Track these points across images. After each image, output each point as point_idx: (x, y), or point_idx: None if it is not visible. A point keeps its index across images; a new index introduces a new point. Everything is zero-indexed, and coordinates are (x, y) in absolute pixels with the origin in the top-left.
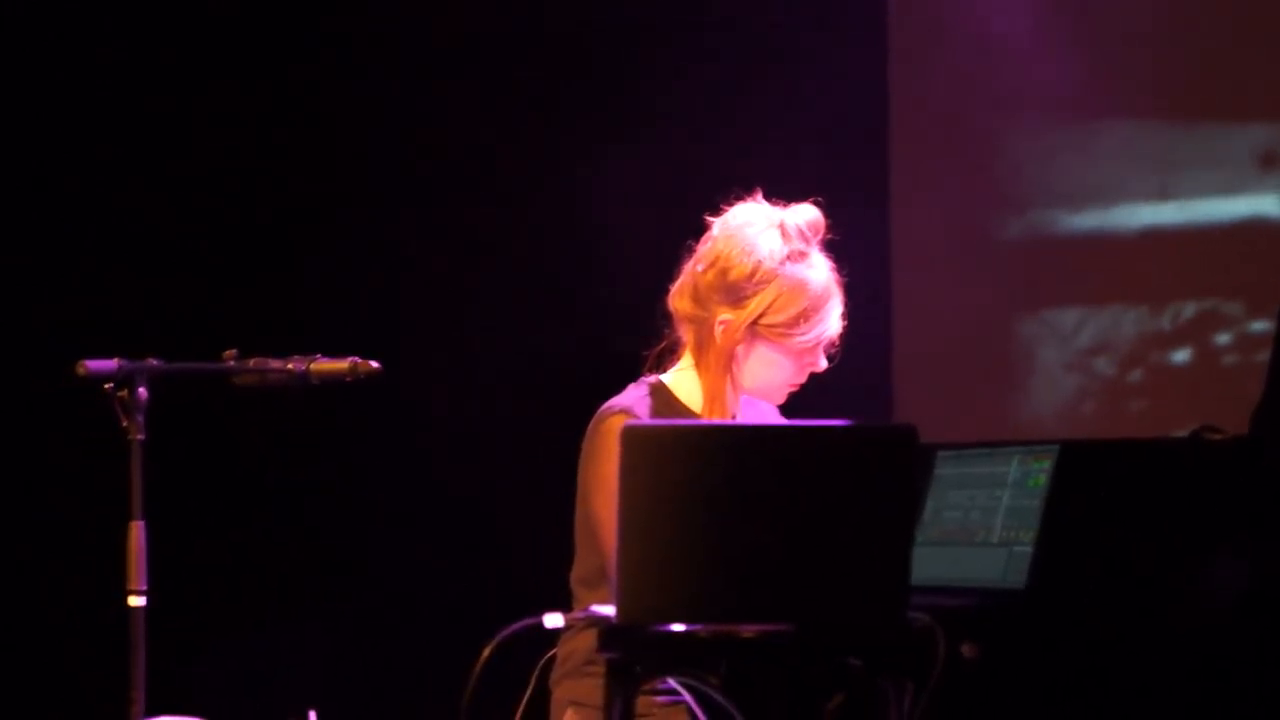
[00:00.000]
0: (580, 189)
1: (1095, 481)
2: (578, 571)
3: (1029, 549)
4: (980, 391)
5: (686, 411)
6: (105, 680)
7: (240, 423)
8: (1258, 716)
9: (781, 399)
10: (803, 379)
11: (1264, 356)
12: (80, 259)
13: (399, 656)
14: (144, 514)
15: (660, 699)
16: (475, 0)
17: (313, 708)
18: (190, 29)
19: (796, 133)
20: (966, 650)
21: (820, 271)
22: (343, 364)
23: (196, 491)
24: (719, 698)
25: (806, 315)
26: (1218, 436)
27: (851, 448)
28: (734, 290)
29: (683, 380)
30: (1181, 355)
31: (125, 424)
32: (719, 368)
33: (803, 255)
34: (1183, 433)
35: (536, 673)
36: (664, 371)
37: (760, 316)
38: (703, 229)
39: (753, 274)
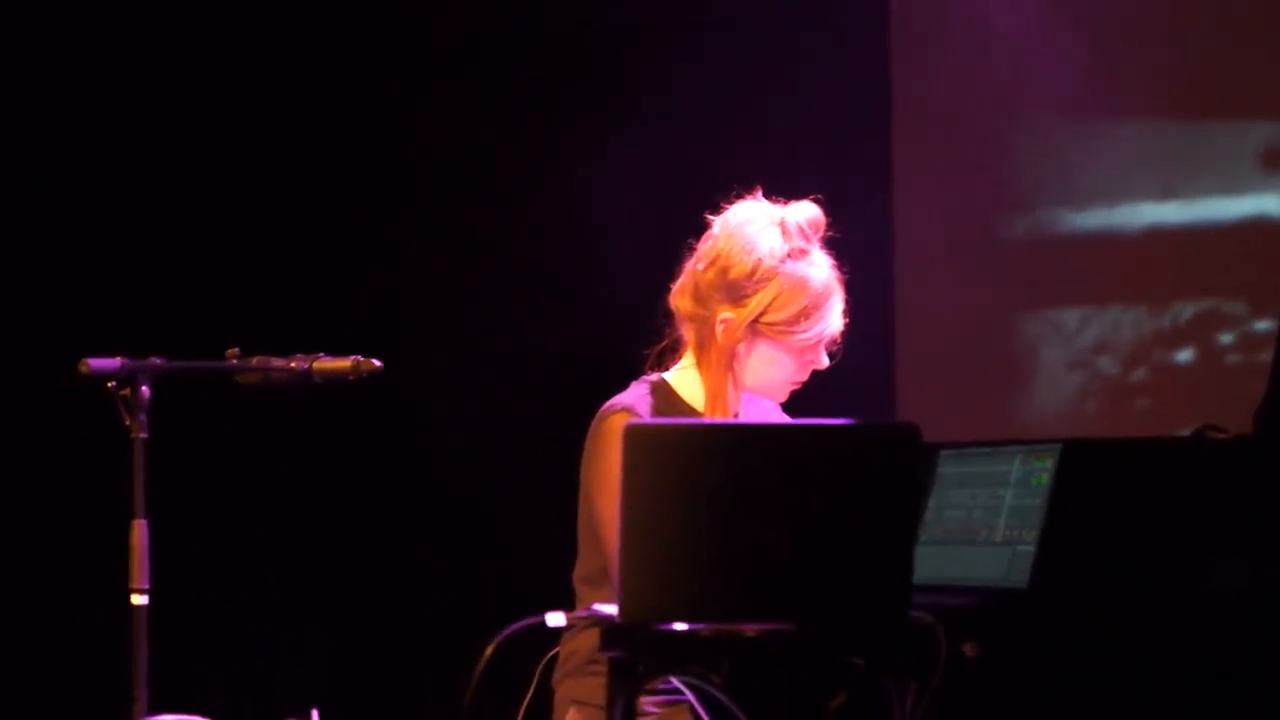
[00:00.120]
0: (580, 189)
1: (1098, 481)
2: (580, 570)
3: (1031, 548)
4: (983, 390)
5: (688, 410)
6: (107, 679)
7: (241, 422)
8: (1259, 717)
9: (784, 397)
10: (805, 377)
11: (1267, 355)
12: (81, 259)
13: (401, 656)
14: (146, 513)
15: (661, 698)
16: (475, 0)
17: (315, 706)
18: (190, 29)
19: (798, 132)
20: (969, 649)
21: (821, 269)
22: (345, 363)
23: (198, 490)
24: (721, 697)
25: (807, 313)
26: (1220, 436)
27: (854, 446)
28: (735, 289)
29: (685, 379)
30: (1184, 354)
31: (128, 422)
32: (720, 366)
33: (803, 253)
34: (1185, 432)
35: (539, 672)
36: (666, 370)
37: (761, 315)
38: (703, 228)
39: (753, 272)
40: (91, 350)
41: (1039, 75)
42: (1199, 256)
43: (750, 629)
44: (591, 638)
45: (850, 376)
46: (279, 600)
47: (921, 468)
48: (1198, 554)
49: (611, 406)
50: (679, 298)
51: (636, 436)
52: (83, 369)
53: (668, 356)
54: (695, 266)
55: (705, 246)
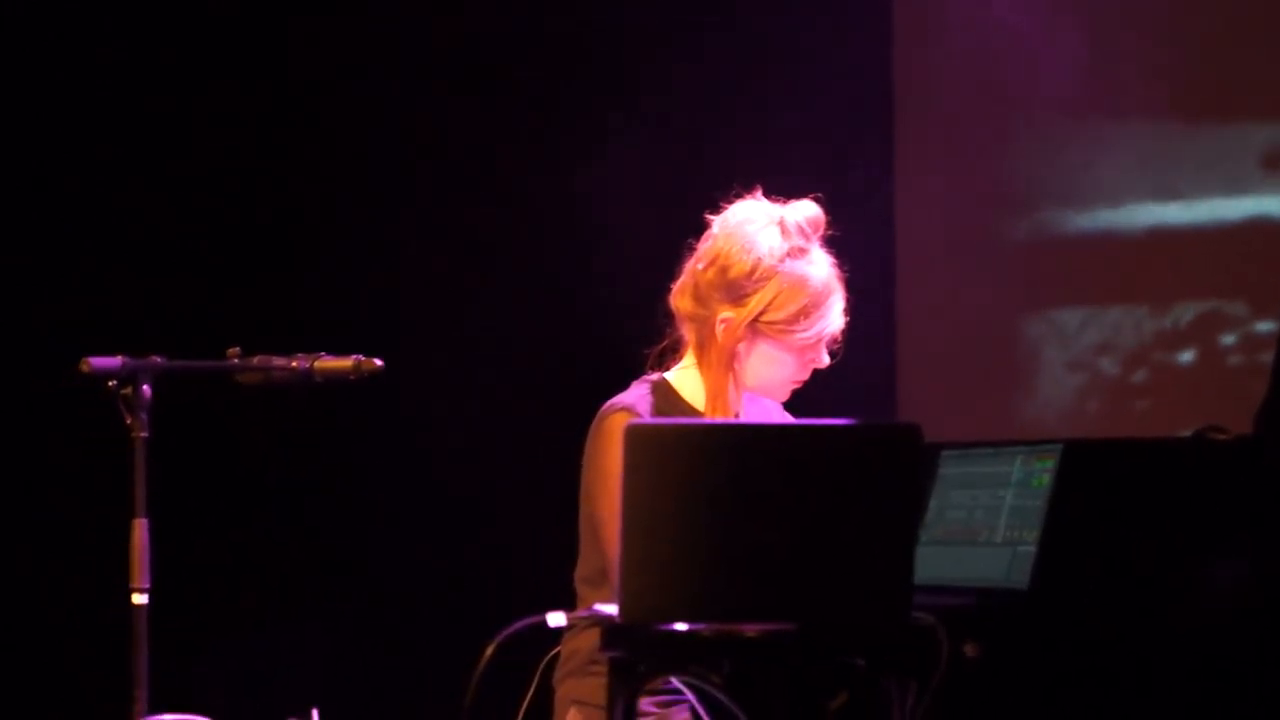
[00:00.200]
0: (580, 189)
1: (1099, 481)
2: (581, 570)
3: (1032, 549)
4: (984, 391)
5: (689, 409)
6: (107, 678)
7: (242, 422)
8: (1259, 717)
9: (785, 396)
10: (806, 376)
11: (1268, 356)
12: (81, 259)
13: (401, 655)
14: (147, 512)
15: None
16: (475, 0)
17: (315, 706)
18: (190, 29)
19: (798, 132)
20: (969, 650)
21: (821, 268)
22: (346, 362)
23: (199, 490)
24: (722, 697)
25: (807, 311)
26: (1221, 437)
27: (855, 447)
28: (734, 288)
29: (686, 378)
30: (1185, 355)
31: (129, 422)
32: (721, 366)
33: (803, 252)
34: (1186, 433)
35: (539, 671)
36: (667, 370)
37: (761, 314)
38: (703, 228)
39: (753, 271)
40: (92, 349)
41: (1041, 76)
42: (1200, 257)
43: (751, 629)
44: (592, 638)
45: (851, 377)
46: (279, 600)
47: (922, 468)
48: (1198, 555)
49: (612, 406)
50: (679, 298)
51: (637, 436)
52: (84, 368)
53: (668, 356)
54: (695, 266)
55: (705, 246)
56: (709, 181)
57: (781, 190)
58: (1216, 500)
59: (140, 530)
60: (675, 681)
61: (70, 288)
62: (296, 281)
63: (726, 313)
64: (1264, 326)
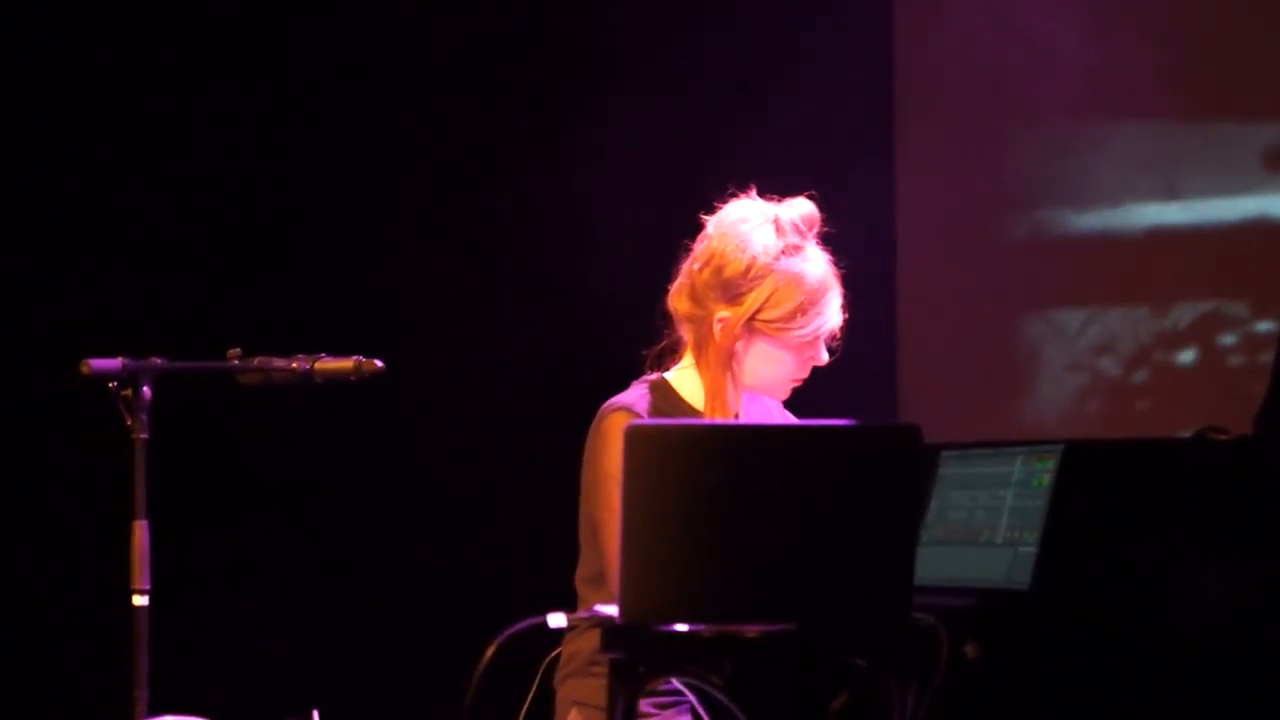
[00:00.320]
0: (580, 189)
1: (1099, 482)
2: (582, 571)
3: (1033, 549)
4: (984, 391)
5: (689, 409)
6: (108, 679)
7: (242, 422)
8: (1259, 717)
9: (785, 395)
10: (805, 374)
11: (1268, 357)
12: (81, 259)
13: (401, 656)
14: (147, 513)
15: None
16: (475, 0)
17: (315, 707)
18: (190, 29)
19: (799, 132)
20: (970, 650)
21: (816, 265)
22: (347, 363)
23: (199, 491)
24: (722, 698)
25: (804, 309)
26: (1222, 437)
27: (856, 447)
28: (730, 287)
29: (685, 379)
30: (1186, 356)
31: (129, 423)
32: (719, 365)
33: (798, 249)
34: (1187, 433)
35: (540, 673)
36: (666, 371)
37: (757, 312)
38: (701, 229)
39: (748, 270)
40: (93, 350)
41: (1042, 76)
42: (1201, 257)
43: (751, 630)
44: (593, 639)
45: (851, 377)
46: (280, 600)
47: (923, 469)
48: (1198, 555)
49: (611, 405)
50: (676, 299)
51: (638, 437)
52: (84, 369)
53: (667, 357)
54: (691, 267)
55: (700, 247)
56: (709, 181)
57: (782, 190)
58: (1217, 501)
59: (140, 531)
60: (676, 682)
61: (70, 288)
62: (296, 282)
63: (723, 312)
64: (1264, 327)
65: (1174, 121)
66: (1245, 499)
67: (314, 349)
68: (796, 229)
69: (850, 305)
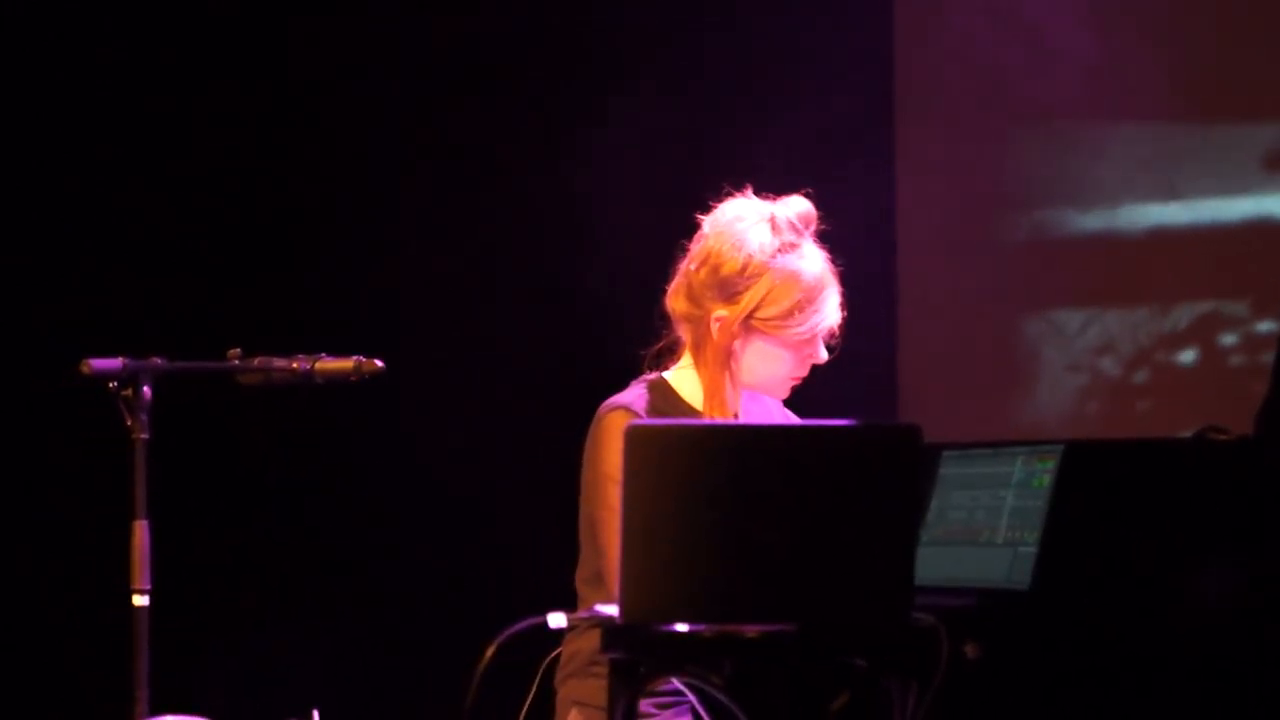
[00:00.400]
0: (580, 188)
1: (1099, 482)
2: (582, 571)
3: (1033, 549)
4: (985, 391)
5: (688, 408)
6: (108, 679)
7: (242, 422)
8: (1259, 717)
9: (785, 393)
10: (804, 372)
11: (1269, 357)
12: (81, 259)
13: (401, 656)
14: (147, 513)
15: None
16: (475, 0)
17: (316, 707)
18: (190, 29)
19: (799, 132)
20: (970, 650)
21: (813, 262)
22: (347, 363)
23: (200, 491)
24: (723, 698)
25: (801, 306)
26: (1222, 437)
27: (856, 447)
28: (727, 286)
29: (684, 378)
30: (1186, 356)
31: (129, 423)
32: (717, 364)
33: (794, 247)
34: (1187, 433)
35: (540, 673)
36: (665, 370)
37: (754, 310)
38: (700, 229)
39: (744, 268)
40: (93, 350)
41: (1042, 76)
42: (1201, 257)
43: (752, 630)
44: (593, 639)
45: (852, 377)
46: (280, 600)
47: (923, 469)
48: (1199, 555)
49: (609, 405)
50: (674, 299)
51: (638, 437)
52: (84, 369)
53: (666, 357)
54: (688, 266)
55: (697, 246)
56: (709, 181)
57: (783, 191)
58: (1217, 501)
59: (141, 531)
60: (676, 682)
61: (70, 288)
62: (296, 282)
63: (720, 311)
64: (1265, 327)
65: (1174, 121)
66: (1245, 499)
67: (314, 349)
68: (793, 227)
69: (850, 305)
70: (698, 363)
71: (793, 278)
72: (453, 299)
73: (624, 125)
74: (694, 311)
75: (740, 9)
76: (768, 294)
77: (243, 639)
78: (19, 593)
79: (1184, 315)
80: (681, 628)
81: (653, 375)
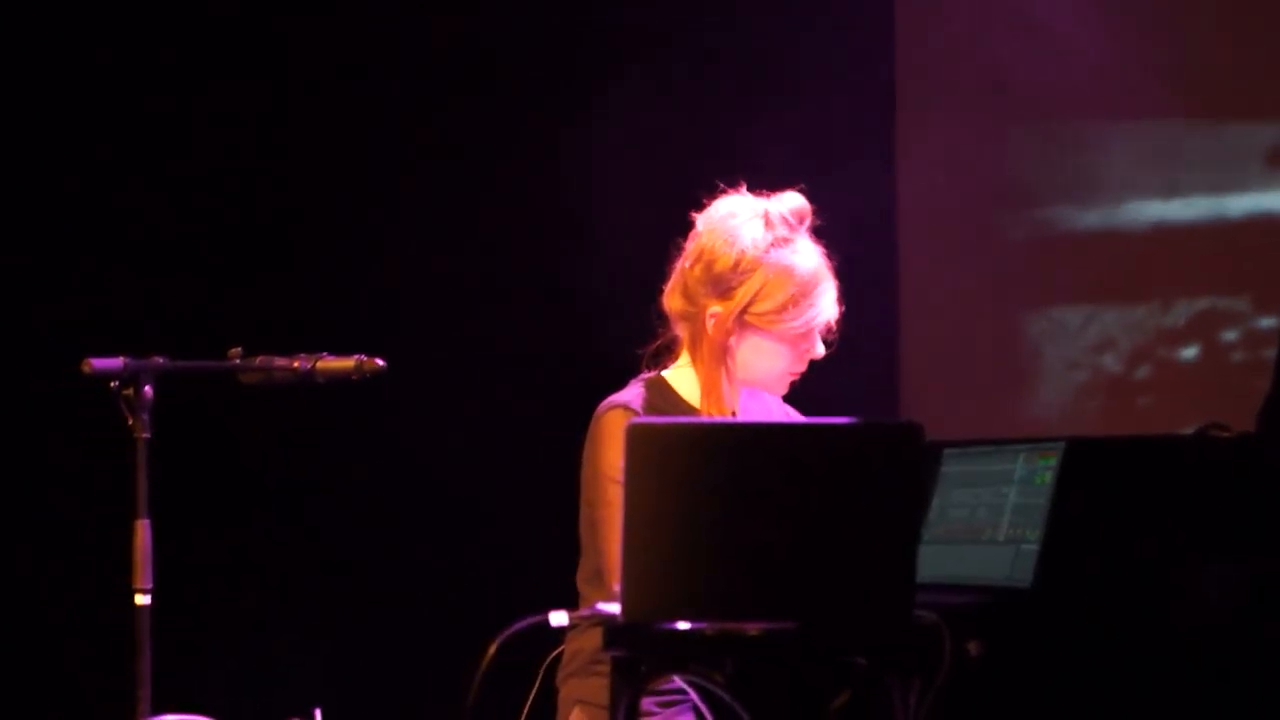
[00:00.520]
0: (579, 188)
1: (1101, 479)
2: (583, 571)
3: (1035, 547)
4: (986, 388)
5: (686, 406)
6: (109, 679)
7: (242, 422)
8: (1259, 717)
9: (783, 389)
10: (802, 367)
11: (1270, 353)
12: (82, 259)
13: (403, 655)
14: (149, 512)
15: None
16: (475, 0)
17: (317, 706)
18: (190, 29)
19: (799, 132)
20: (972, 648)
21: (807, 257)
22: (349, 362)
23: (201, 490)
24: (725, 696)
25: (795, 300)
26: (1224, 434)
27: (857, 445)
28: (720, 281)
29: (682, 376)
30: (1188, 352)
31: (130, 422)
32: (713, 360)
33: (787, 241)
34: (1189, 430)
35: (542, 672)
36: (664, 369)
37: (749, 305)
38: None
39: (737, 264)
40: (94, 350)
41: (1043, 73)
42: (1203, 254)
43: (753, 628)
44: (595, 637)
45: (853, 375)
46: (281, 600)
47: (924, 467)
48: (1200, 553)
49: (608, 404)
50: (670, 297)
51: (639, 435)
52: (85, 369)
53: (664, 356)
54: (683, 265)
55: (691, 244)
56: (709, 182)
57: (785, 189)
58: (1219, 498)
59: (142, 531)
60: (678, 681)
61: (70, 288)
62: (297, 281)
63: (715, 307)
64: (1266, 323)
65: (1175, 118)
66: (1247, 496)
67: (315, 348)
68: (786, 222)
69: (851, 303)
70: (695, 360)
71: (786, 272)
72: (453, 299)
73: (624, 125)
74: (689, 309)
75: (740, 9)
76: (761, 289)
77: (244, 638)
78: (20, 592)
79: (1185, 312)
80: (683, 626)
81: (651, 374)
